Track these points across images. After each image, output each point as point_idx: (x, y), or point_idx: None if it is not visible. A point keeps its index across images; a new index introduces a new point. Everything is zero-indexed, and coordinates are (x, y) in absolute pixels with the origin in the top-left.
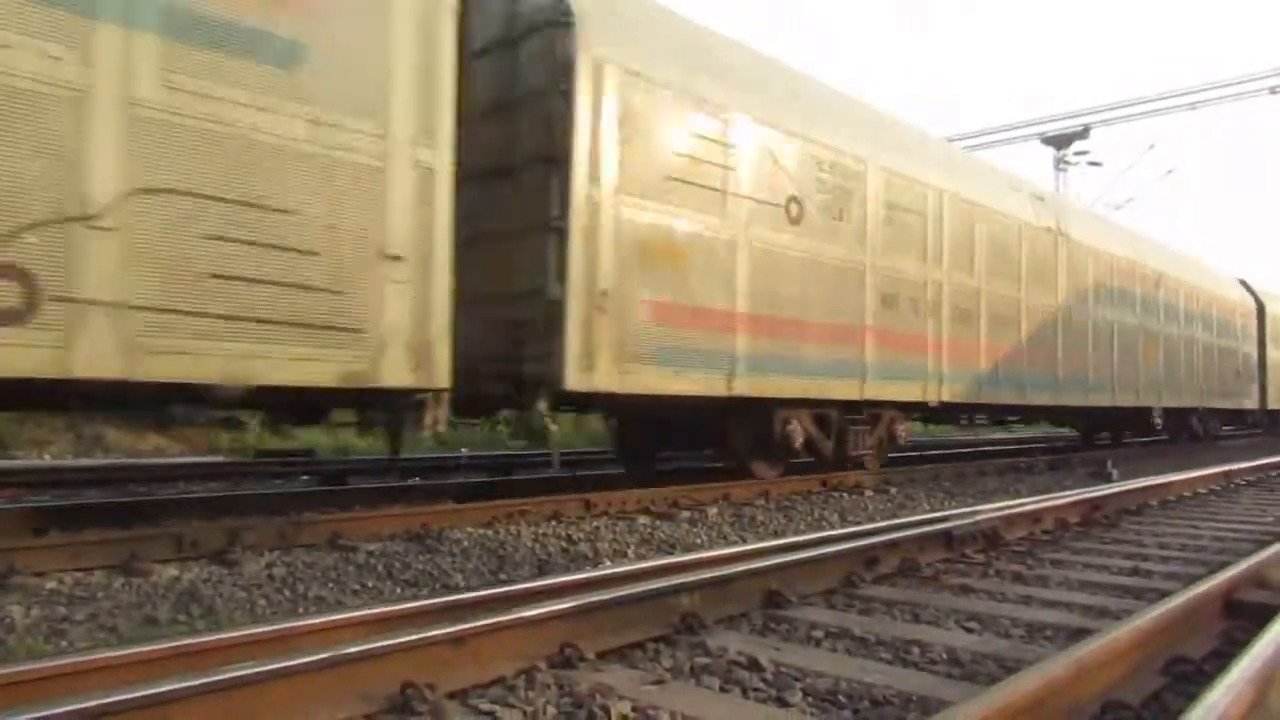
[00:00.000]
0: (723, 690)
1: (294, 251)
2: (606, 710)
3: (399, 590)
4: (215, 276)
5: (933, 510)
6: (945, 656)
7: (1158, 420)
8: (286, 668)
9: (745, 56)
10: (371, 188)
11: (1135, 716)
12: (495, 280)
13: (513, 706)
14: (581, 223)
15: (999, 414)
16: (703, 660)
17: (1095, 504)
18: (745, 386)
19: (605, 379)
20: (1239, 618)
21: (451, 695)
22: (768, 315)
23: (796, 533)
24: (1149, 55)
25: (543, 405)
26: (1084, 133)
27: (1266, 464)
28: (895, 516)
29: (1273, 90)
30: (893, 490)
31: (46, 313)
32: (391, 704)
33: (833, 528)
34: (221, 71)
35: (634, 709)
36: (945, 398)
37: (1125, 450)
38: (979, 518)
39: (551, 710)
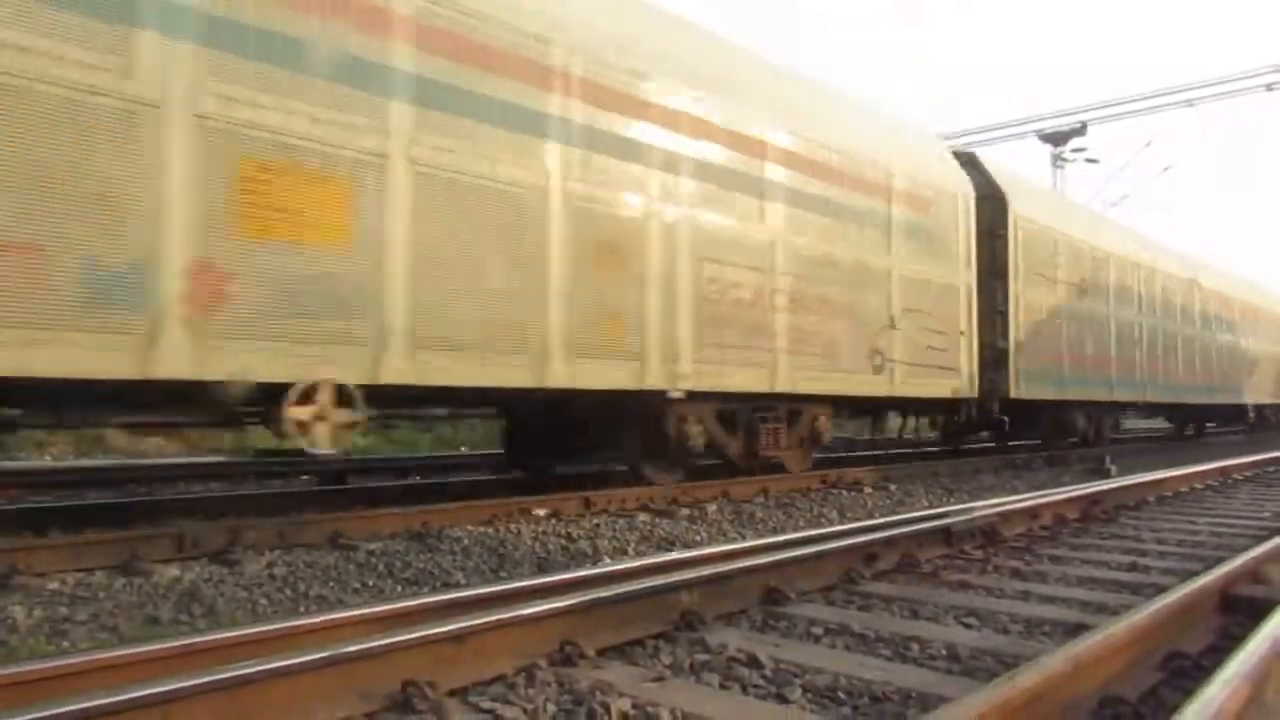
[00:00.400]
0: (722, 687)
1: (937, 333)
2: (606, 707)
3: (399, 589)
4: (926, 347)
5: (931, 507)
6: (944, 652)
7: (1252, 415)
8: (287, 666)
9: (1060, 198)
10: (954, 298)
11: (1133, 712)
12: None
13: (513, 704)
14: (1014, 308)
15: (1166, 411)
16: (702, 657)
17: (1094, 499)
18: (1066, 394)
19: (1023, 391)
20: (1236, 613)
21: (452, 693)
22: (1073, 353)
23: (796, 530)
24: (1146, 53)
25: (995, 406)
26: (1081, 129)
27: (1263, 459)
28: (894, 513)
29: (1269, 87)
30: (892, 487)
31: (884, 368)
32: (392, 702)
33: (832, 525)
34: (924, 251)
35: (634, 706)
36: (1148, 399)
37: (1125, 446)
38: (977, 514)
39: (552, 708)
